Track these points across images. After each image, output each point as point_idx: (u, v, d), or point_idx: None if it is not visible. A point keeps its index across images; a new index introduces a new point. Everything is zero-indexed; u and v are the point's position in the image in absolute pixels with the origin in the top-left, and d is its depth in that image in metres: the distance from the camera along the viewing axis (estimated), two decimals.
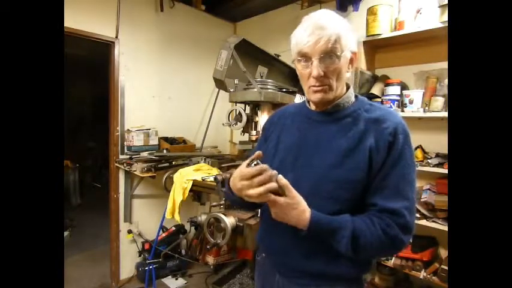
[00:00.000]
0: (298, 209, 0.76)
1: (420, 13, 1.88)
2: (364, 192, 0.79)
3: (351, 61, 0.83)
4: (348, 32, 0.79)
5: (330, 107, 0.85)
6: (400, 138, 0.78)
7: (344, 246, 0.76)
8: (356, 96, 0.89)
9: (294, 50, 0.82)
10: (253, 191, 0.73)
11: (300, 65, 0.82)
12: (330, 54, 0.77)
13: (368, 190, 0.79)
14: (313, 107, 0.90)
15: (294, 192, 0.75)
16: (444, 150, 1.96)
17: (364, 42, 2.13)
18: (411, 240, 2.05)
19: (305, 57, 0.79)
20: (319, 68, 0.78)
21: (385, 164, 0.77)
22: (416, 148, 2.03)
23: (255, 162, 0.74)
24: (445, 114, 1.80)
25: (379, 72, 2.29)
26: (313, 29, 0.76)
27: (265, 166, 0.72)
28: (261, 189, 0.72)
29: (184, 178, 1.91)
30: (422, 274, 1.85)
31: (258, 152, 0.76)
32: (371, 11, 2.06)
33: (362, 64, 2.14)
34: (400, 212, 0.76)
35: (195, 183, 1.88)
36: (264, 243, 0.96)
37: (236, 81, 1.91)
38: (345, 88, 0.87)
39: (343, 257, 0.80)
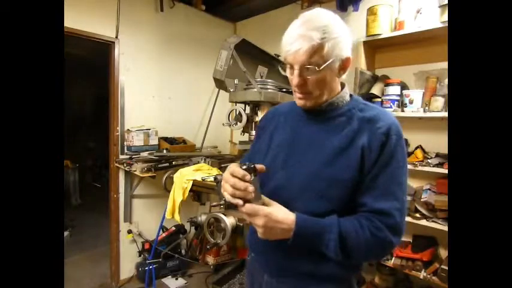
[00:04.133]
0: (283, 223, 0.76)
1: (420, 13, 1.89)
2: (356, 191, 0.79)
3: (343, 67, 0.80)
4: (339, 39, 0.75)
5: (324, 106, 0.84)
6: (393, 139, 0.77)
7: (333, 251, 0.75)
8: (351, 96, 0.88)
9: (282, 51, 0.80)
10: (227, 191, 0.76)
11: (287, 69, 0.82)
12: (309, 66, 0.75)
13: (359, 190, 0.78)
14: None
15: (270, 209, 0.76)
16: (444, 150, 1.95)
17: (364, 42, 2.13)
18: (411, 241, 2.06)
19: (289, 63, 0.79)
20: (300, 77, 0.77)
21: (376, 164, 0.77)
22: (416, 148, 2.03)
23: (245, 167, 0.75)
24: (445, 114, 1.79)
25: (379, 72, 2.29)
26: (297, 36, 0.74)
27: (247, 177, 0.73)
28: (229, 190, 0.75)
29: (184, 178, 1.91)
30: (422, 274, 1.85)
31: (261, 166, 0.77)
32: (371, 11, 2.06)
33: (362, 64, 2.14)
34: (390, 213, 0.75)
35: (195, 183, 1.88)
36: (252, 242, 0.96)
37: (236, 81, 1.91)
38: (339, 87, 0.85)
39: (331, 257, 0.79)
